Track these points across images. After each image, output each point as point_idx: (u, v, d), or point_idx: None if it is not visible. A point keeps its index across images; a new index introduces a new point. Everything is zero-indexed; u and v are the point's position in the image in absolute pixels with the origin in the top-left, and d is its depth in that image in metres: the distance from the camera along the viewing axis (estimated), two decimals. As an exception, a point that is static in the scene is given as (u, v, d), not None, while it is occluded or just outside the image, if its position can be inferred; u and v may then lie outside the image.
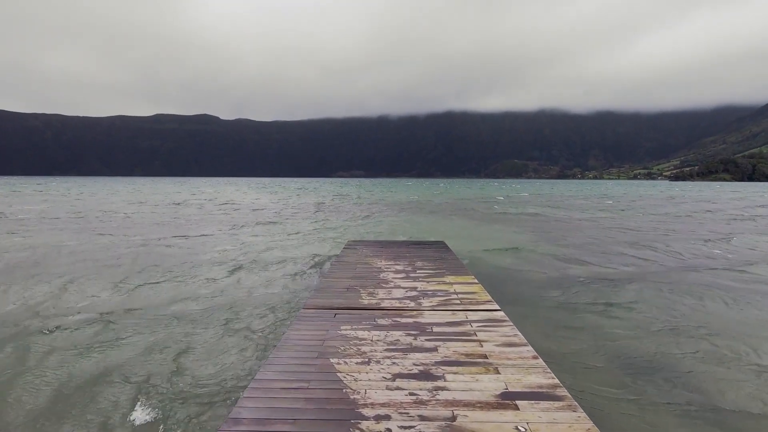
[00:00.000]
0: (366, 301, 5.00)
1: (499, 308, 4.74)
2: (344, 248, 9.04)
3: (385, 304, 4.89)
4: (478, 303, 4.91)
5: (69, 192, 51.04)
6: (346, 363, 3.32)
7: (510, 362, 3.35)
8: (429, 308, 4.74)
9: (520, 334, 3.96)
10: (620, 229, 17.84)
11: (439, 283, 5.85)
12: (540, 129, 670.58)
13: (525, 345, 3.69)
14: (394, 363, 3.32)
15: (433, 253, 8.16)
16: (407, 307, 4.77)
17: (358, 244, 9.49)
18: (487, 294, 5.32)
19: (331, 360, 3.37)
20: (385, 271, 6.57)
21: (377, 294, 5.29)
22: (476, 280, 6.02)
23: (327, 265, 9.62)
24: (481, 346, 3.66)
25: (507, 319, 4.39)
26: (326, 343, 3.73)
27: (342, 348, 3.61)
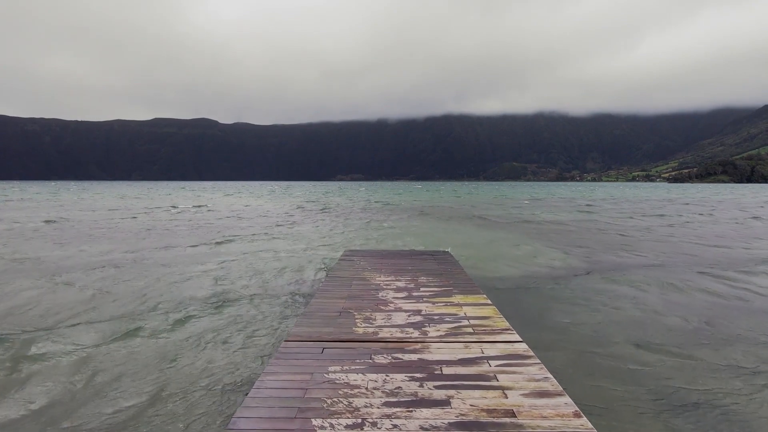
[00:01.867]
0: (361, 329, 4.22)
1: (520, 339, 3.96)
2: (340, 259, 8.28)
3: (384, 333, 4.11)
4: (493, 332, 4.14)
5: (57, 197, 50.10)
6: (332, 427, 2.54)
7: (546, 423, 2.57)
8: (436, 339, 3.96)
9: (551, 377, 3.19)
10: (688, 242, 14.94)
11: (446, 304, 5.07)
12: (538, 131, 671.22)
13: (561, 395, 2.91)
14: (395, 426, 2.55)
15: (438, 266, 7.39)
16: (410, 338, 4.00)
17: (356, 255, 8.72)
18: (503, 319, 4.55)
19: (314, 422, 2.59)
20: (384, 289, 5.79)
21: (375, 320, 4.51)
22: (488, 301, 5.24)
23: (321, 279, 8.74)
24: (506, 397, 2.89)
25: (532, 354, 3.62)
26: (309, 393, 2.95)
27: (329, 401, 2.83)
